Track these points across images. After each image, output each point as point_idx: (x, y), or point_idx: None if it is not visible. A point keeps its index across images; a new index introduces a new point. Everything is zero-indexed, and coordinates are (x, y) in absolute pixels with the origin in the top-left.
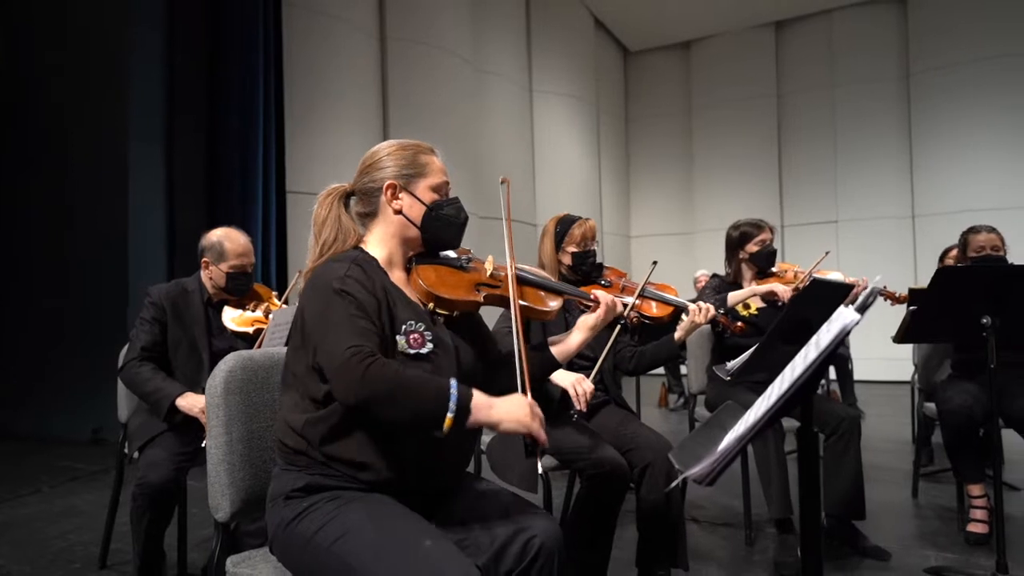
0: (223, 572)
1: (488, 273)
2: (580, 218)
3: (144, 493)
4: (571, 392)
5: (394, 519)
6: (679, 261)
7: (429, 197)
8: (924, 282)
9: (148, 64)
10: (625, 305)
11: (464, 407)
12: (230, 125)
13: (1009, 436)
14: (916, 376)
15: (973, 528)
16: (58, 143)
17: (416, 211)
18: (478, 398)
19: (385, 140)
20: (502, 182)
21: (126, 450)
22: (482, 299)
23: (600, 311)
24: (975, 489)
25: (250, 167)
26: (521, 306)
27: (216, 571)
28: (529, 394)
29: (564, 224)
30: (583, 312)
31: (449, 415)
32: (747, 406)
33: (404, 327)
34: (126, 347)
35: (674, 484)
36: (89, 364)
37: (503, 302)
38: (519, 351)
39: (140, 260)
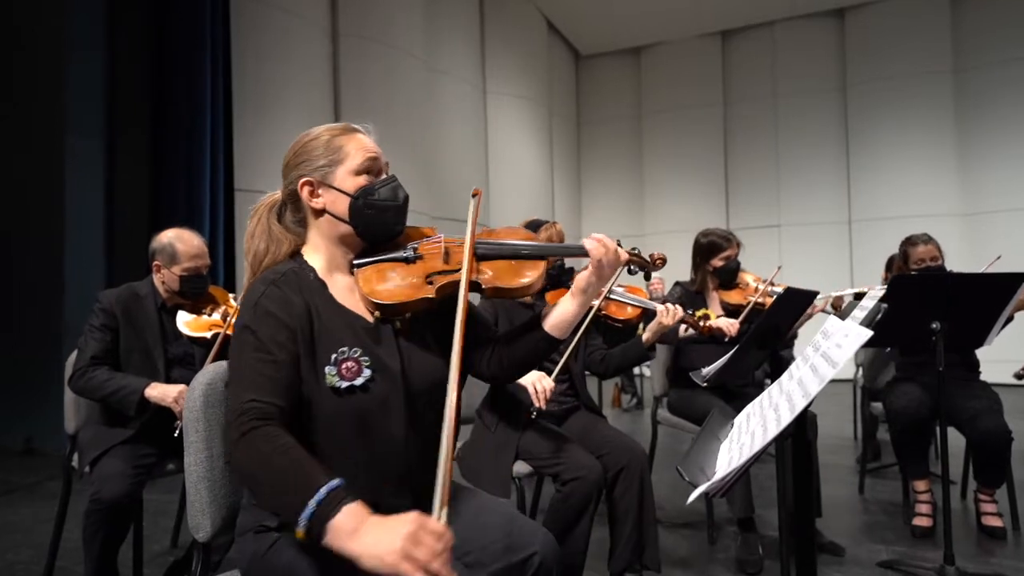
0: None
1: (442, 257)
2: (547, 221)
3: (98, 509)
4: (530, 390)
5: None
6: None
7: (352, 185)
8: (860, 283)
9: (87, 52)
10: (631, 259)
11: (318, 525)
12: (176, 120)
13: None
14: (861, 376)
15: (919, 522)
16: None
17: (341, 205)
18: (343, 519)
19: None
20: (474, 195)
21: (74, 464)
22: (435, 292)
23: (591, 269)
24: (920, 485)
25: (197, 164)
26: (491, 288)
27: None
28: (438, 508)
29: (531, 228)
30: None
31: (299, 529)
32: (709, 407)
33: (335, 355)
34: (73, 356)
35: (692, 499)
36: (21, 371)
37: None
38: (449, 408)
39: (77, 263)
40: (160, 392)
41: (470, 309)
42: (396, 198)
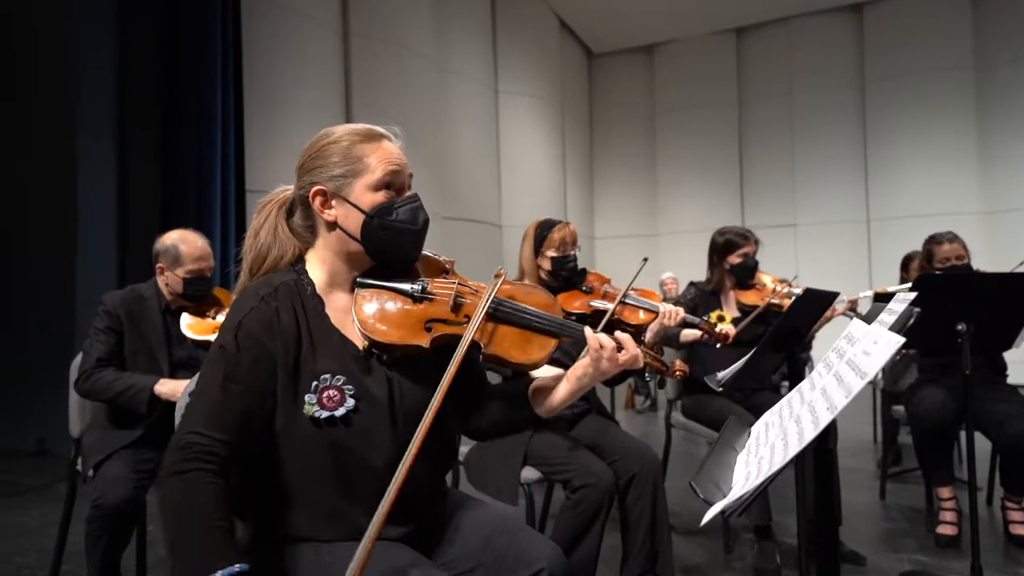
0: None
1: (451, 305)
2: (560, 222)
3: (101, 515)
4: None
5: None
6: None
7: (369, 201)
8: (879, 283)
9: (98, 53)
10: (648, 363)
11: None
12: (187, 120)
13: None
14: (881, 379)
15: (943, 530)
16: None
17: (354, 221)
18: None
19: None
20: (496, 275)
21: (78, 467)
22: (428, 343)
23: (589, 361)
24: (944, 491)
25: (208, 165)
26: (491, 356)
27: None
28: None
29: (543, 228)
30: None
31: None
32: (724, 412)
33: (316, 383)
34: (77, 359)
35: (707, 519)
36: (34, 373)
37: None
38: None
39: (89, 264)
40: (171, 388)
41: (471, 361)
42: (415, 221)
